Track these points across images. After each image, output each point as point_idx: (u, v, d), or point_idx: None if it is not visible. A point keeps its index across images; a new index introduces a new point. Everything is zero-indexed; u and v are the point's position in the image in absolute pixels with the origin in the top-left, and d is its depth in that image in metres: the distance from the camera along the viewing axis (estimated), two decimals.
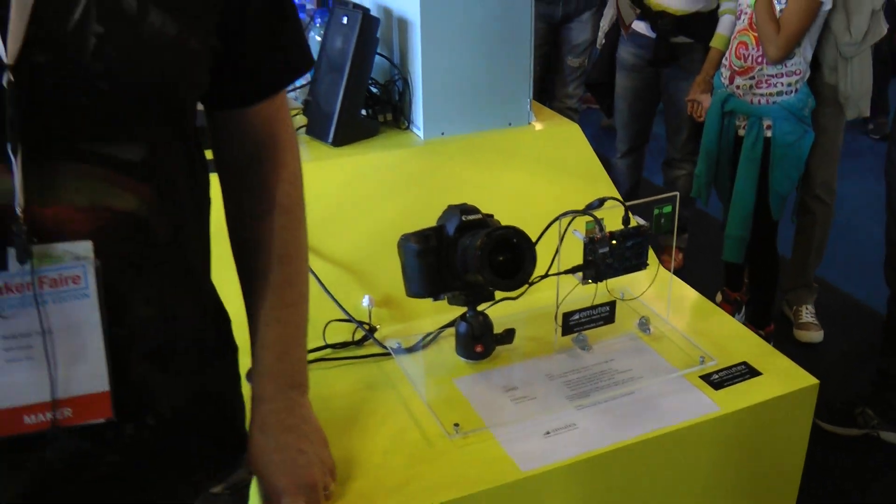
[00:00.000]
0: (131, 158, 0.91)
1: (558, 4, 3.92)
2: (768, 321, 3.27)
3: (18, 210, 0.84)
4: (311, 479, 1.09)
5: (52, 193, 0.86)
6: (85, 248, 0.88)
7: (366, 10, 1.83)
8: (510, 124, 1.94)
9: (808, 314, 3.35)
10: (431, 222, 1.43)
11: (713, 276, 3.52)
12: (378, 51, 1.89)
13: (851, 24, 2.86)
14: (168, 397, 0.98)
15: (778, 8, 2.80)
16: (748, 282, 3.38)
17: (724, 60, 3.07)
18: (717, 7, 3.32)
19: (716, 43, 3.25)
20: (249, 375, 1.14)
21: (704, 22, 3.39)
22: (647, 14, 3.50)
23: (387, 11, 1.93)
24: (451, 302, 1.43)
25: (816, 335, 3.31)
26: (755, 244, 3.11)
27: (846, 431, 2.78)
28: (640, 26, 3.58)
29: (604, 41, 3.93)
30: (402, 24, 1.86)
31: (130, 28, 0.87)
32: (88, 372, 0.91)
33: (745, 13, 2.92)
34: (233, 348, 1.13)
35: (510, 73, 1.90)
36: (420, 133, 1.88)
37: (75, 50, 0.84)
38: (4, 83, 0.81)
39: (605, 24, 3.94)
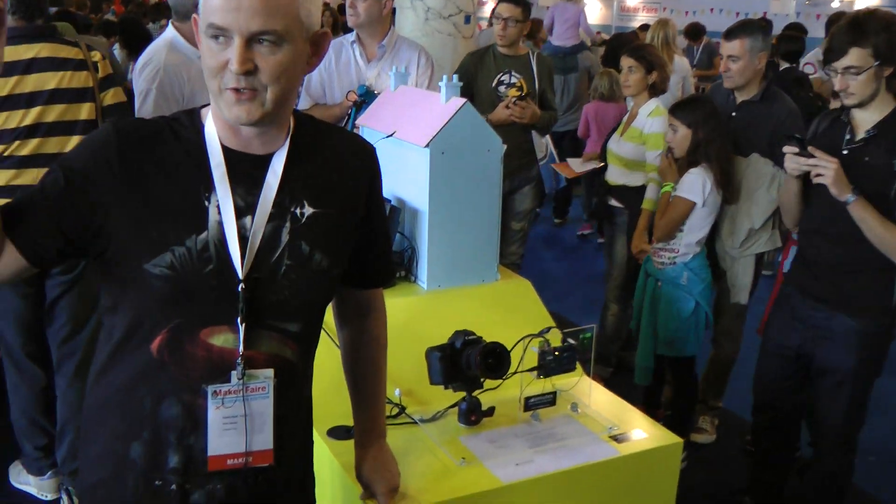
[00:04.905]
0: (293, 330, 1.65)
1: (505, 181, 4.87)
2: (685, 432, 4.14)
3: (240, 353, 1.58)
4: (395, 484, 1.97)
5: (254, 345, 1.59)
6: (269, 373, 1.62)
7: (390, 203, 2.77)
8: (483, 280, 2.87)
9: (703, 422, 4.27)
10: (433, 343, 2.31)
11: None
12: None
13: (734, 234, 3.91)
14: (287, 456, 1.75)
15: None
16: (672, 397, 4.24)
17: None
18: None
19: (644, 205, 4.30)
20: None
21: (631, 193, 4.47)
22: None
23: (401, 202, 2.86)
24: (455, 389, 2.31)
25: (703, 437, 4.22)
26: (671, 371, 4.09)
27: None
28: None
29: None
30: (414, 212, 2.79)
31: (304, 263, 1.62)
32: (264, 437, 1.64)
33: None
34: (311, 431, 1.91)
35: (484, 246, 2.84)
36: (424, 285, 2.79)
37: (274, 273, 1.59)
38: (239, 289, 1.55)
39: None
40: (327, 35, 1.63)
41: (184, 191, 1.57)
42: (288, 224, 1.62)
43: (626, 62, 4.48)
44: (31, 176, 3.18)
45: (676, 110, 3.91)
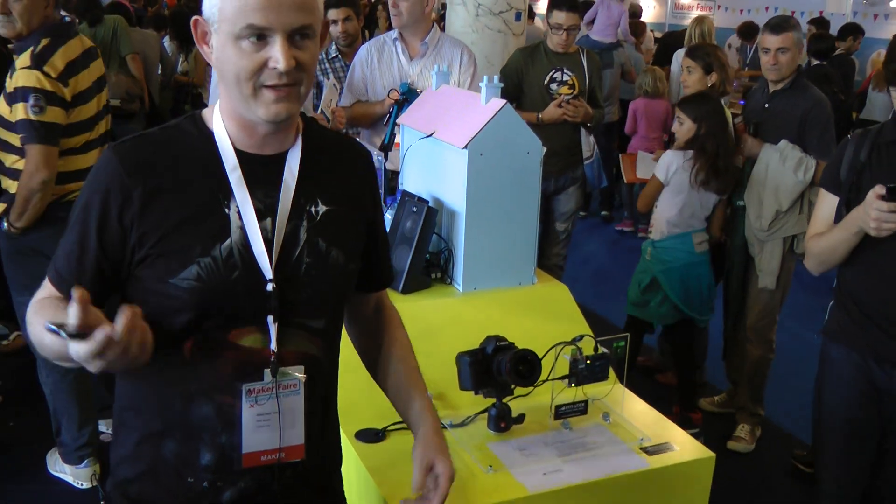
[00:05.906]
0: (317, 326, 1.68)
1: (550, 181, 4.82)
2: (692, 407, 4.30)
3: (273, 351, 1.61)
4: (453, 471, 1.83)
5: (283, 343, 1.62)
6: (300, 370, 1.65)
7: (428, 203, 2.75)
8: (520, 283, 2.84)
9: (741, 430, 4.20)
10: (467, 347, 2.29)
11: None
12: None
13: (761, 216, 3.86)
14: (316, 450, 1.76)
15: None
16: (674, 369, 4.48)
17: None
18: None
19: None
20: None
21: None
22: None
23: (438, 203, 2.85)
24: (485, 395, 2.29)
25: (741, 446, 4.15)
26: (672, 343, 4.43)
27: None
28: None
29: None
30: (451, 213, 2.77)
31: (323, 260, 1.65)
32: (296, 433, 1.67)
33: None
34: (337, 425, 1.91)
35: (521, 249, 2.82)
36: (460, 287, 2.77)
37: (296, 271, 1.62)
38: (269, 288, 1.57)
39: None
40: (327, 24, 1.67)
41: (202, 201, 1.58)
42: (305, 222, 1.64)
43: (685, 62, 4.56)
44: (95, 156, 3.40)
45: (684, 104, 4.16)
